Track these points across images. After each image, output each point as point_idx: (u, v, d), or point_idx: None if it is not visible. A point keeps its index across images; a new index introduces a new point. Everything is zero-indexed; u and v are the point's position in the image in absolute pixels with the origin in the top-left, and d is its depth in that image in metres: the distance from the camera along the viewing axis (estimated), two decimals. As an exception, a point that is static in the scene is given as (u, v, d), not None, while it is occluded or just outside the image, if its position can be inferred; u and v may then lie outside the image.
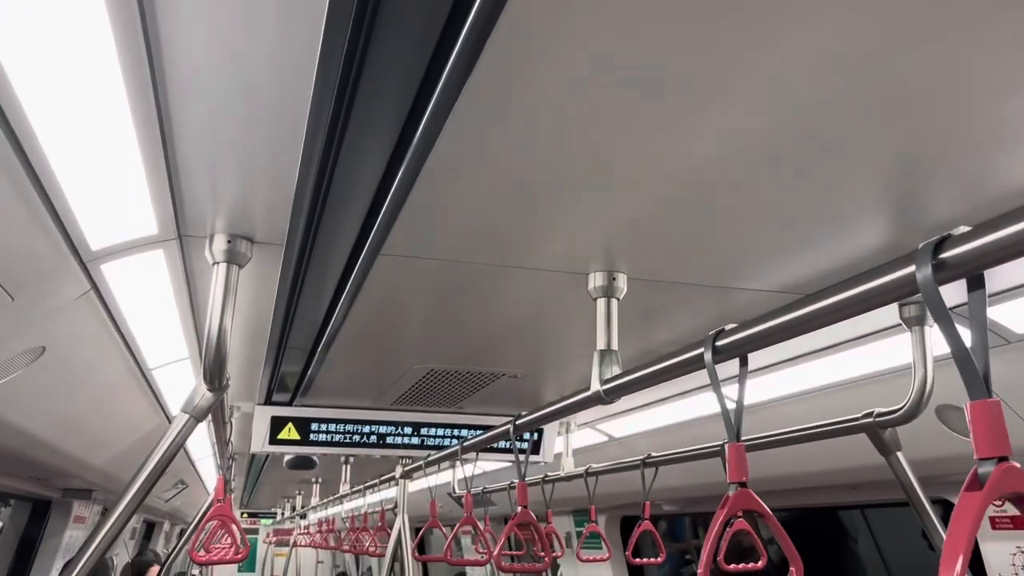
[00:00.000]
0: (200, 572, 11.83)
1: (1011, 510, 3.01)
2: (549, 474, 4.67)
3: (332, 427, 4.42)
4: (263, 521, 18.52)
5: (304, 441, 4.41)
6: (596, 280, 2.22)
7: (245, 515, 17.94)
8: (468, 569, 9.93)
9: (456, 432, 4.56)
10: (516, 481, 2.94)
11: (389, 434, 4.49)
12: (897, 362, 2.68)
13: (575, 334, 2.83)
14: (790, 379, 3.14)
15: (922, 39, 1.20)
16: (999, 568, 3.11)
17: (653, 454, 3.62)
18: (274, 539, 16.32)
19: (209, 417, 3.13)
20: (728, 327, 1.60)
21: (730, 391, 1.61)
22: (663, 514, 5.82)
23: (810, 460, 3.47)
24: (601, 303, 2.25)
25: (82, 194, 1.78)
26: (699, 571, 1.39)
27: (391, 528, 5.59)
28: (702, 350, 1.63)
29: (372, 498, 7.61)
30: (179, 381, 3.69)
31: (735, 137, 1.50)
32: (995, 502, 0.97)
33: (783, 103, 1.38)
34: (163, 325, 2.86)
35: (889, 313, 2.11)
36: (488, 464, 5.88)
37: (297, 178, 1.69)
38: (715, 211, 1.85)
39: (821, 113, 1.41)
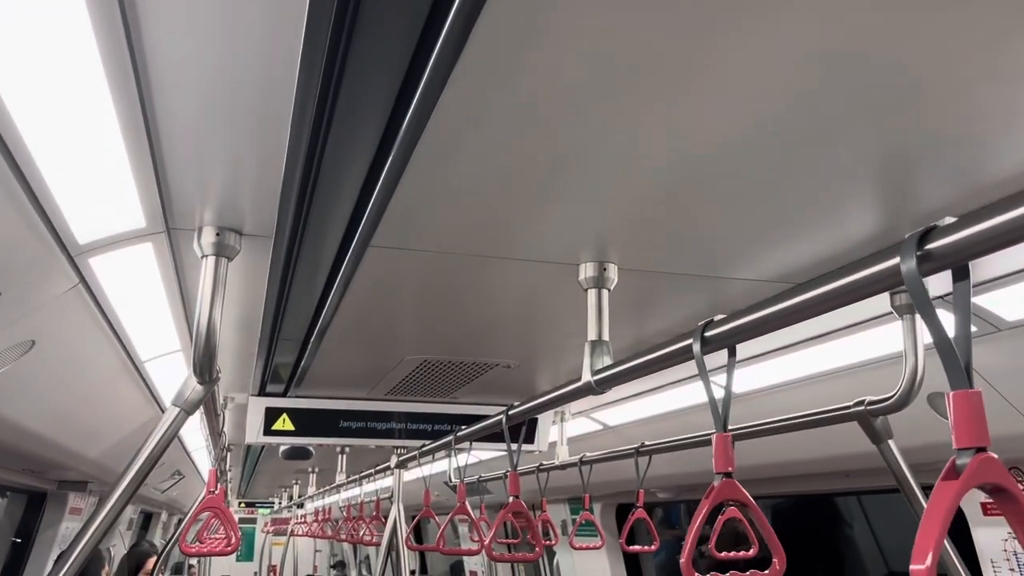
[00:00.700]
0: (198, 562, 11.87)
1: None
2: (544, 463, 4.68)
3: (326, 418, 4.42)
4: (261, 510, 18.55)
5: (298, 432, 4.41)
6: (587, 271, 2.22)
7: (243, 505, 17.98)
8: (466, 557, 9.97)
9: (451, 422, 4.55)
10: (509, 471, 2.94)
11: (383, 424, 4.49)
12: (889, 350, 2.68)
13: (568, 324, 2.83)
14: (782, 368, 3.14)
15: (908, 28, 1.20)
16: (990, 554, 3.12)
17: (647, 443, 3.63)
18: (272, 529, 16.35)
19: (202, 409, 3.13)
20: (717, 318, 1.60)
21: (721, 380, 1.61)
22: (658, 502, 5.84)
23: (803, 448, 3.48)
24: (592, 294, 2.24)
25: (67, 188, 1.77)
26: (682, 560, 1.39)
27: (387, 517, 5.60)
28: (691, 341, 1.62)
29: (369, 487, 7.63)
30: (173, 373, 3.69)
31: (724, 127, 1.49)
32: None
33: (771, 93, 1.38)
34: (154, 318, 2.86)
35: (880, 301, 2.11)
36: (484, 453, 5.89)
37: (284, 170, 1.69)
38: (705, 201, 1.84)
39: (810, 102, 1.41)
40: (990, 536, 3.12)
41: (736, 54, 1.26)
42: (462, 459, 3.89)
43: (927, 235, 1.05)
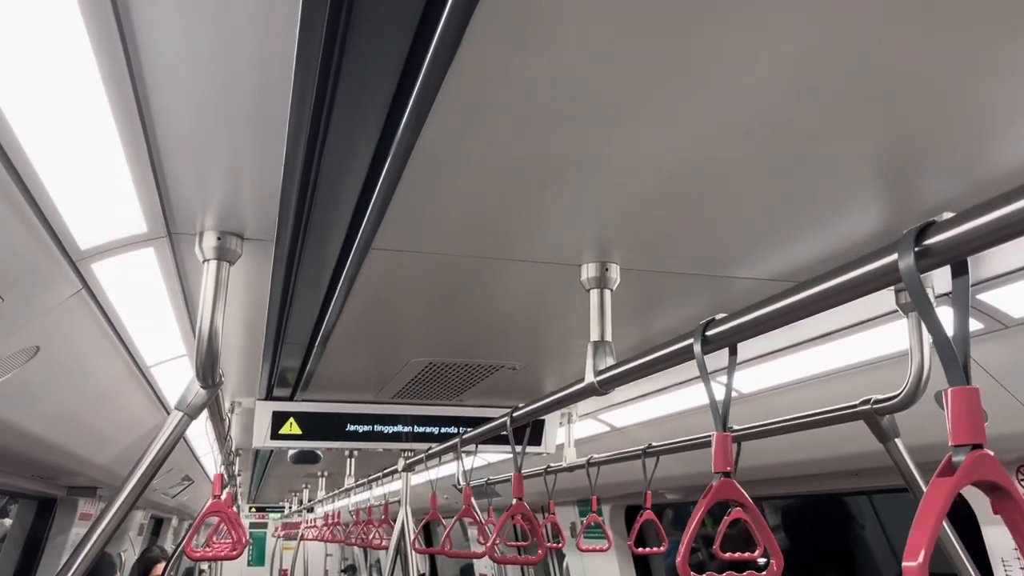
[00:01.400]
0: (209, 567, 11.89)
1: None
2: (551, 465, 4.67)
3: (333, 421, 4.42)
4: (272, 515, 18.58)
5: (306, 436, 4.41)
6: (588, 271, 2.21)
7: (253, 510, 18.01)
8: (476, 561, 9.96)
9: (458, 424, 4.55)
10: (514, 474, 2.93)
11: (390, 427, 4.48)
12: (895, 348, 2.67)
13: (572, 325, 2.82)
14: (788, 367, 3.13)
15: (909, 24, 1.19)
16: (1001, 553, 3.10)
17: (654, 443, 3.62)
18: (282, 533, 16.37)
19: (207, 413, 3.14)
20: (718, 317, 1.59)
21: (725, 380, 1.60)
22: (667, 503, 5.82)
23: (811, 448, 3.46)
24: (594, 294, 2.23)
25: (68, 194, 1.77)
26: (678, 560, 1.39)
27: (395, 521, 5.59)
28: (692, 340, 1.62)
29: (379, 491, 7.62)
30: (180, 378, 3.69)
31: (725, 125, 1.48)
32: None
33: (772, 91, 1.37)
34: (158, 323, 2.86)
35: (886, 299, 2.10)
36: (493, 456, 5.88)
37: (283, 172, 1.68)
38: (707, 200, 1.83)
39: (811, 100, 1.40)
40: (1001, 535, 3.10)
41: (736, 52, 1.26)
42: (468, 462, 3.88)
43: (925, 231, 1.04)
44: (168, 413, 2.25)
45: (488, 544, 3.08)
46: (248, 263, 2.18)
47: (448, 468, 6.21)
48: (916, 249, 1.04)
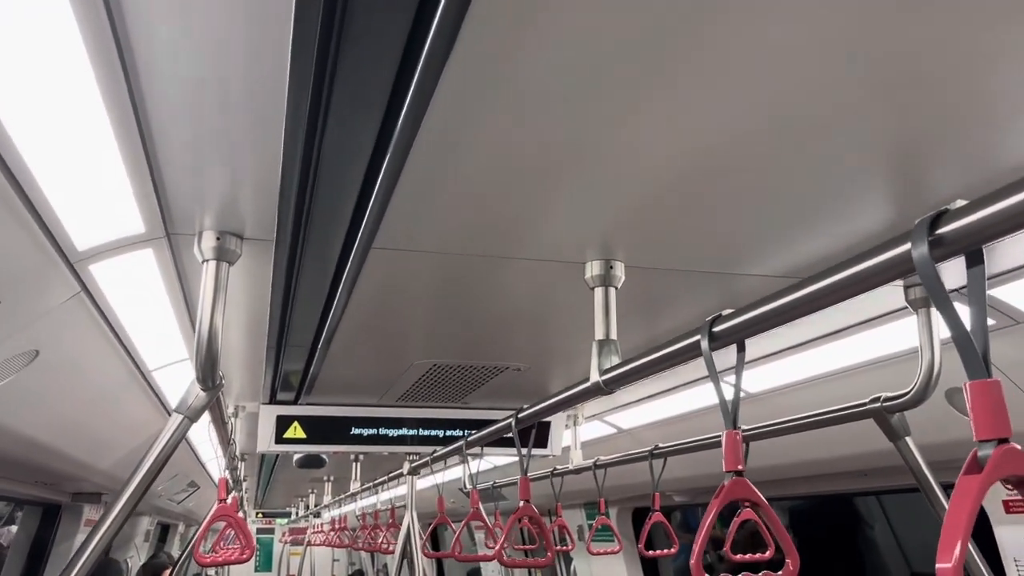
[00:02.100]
0: (216, 573, 11.88)
1: (1026, 494, 2.96)
2: (558, 467, 4.64)
3: (337, 425, 4.39)
4: (278, 521, 18.58)
5: (310, 440, 4.39)
6: (593, 269, 2.18)
7: (260, 515, 18.00)
8: (483, 564, 9.93)
9: (463, 427, 4.52)
10: (520, 476, 2.91)
11: (395, 431, 4.46)
12: (904, 346, 2.63)
13: (578, 325, 2.79)
14: (796, 366, 3.10)
15: (912, 11, 1.16)
16: (1013, 552, 3.06)
17: (661, 445, 3.58)
18: (289, 538, 16.35)
19: (210, 417, 3.11)
20: (725, 312, 1.56)
21: (732, 378, 1.57)
22: (675, 505, 5.78)
23: (820, 447, 3.43)
24: (599, 292, 2.21)
25: (64, 195, 1.75)
26: (692, 562, 1.35)
27: (402, 525, 5.57)
28: (698, 337, 1.59)
29: (385, 495, 7.61)
30: (183, 382, 3.67)
31: (731, 119, 1.46)
32: (1008, 486, 0.93)
33: (778, 83, 1.34)
34: (158, 326, 2.84)
35: (894, 296, 2.07)
36: (499, 459, 5.85)
37: (282, 171, 1.66)
38: (712, 196, 1.80)
39: (817, 93, 1.37)
40: (1013, 534, 3.06)
41: (741, 45, 1.23)
42: (474, 465, 3.85)
43: (938, 219, 1.01)
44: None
45: (497, 548, 3.05)
46: (248, 264, 2.15)
47: (453, 472, 6.19)
48: (930, 238, 1.00)
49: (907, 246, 1.05)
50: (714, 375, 1.53)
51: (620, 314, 2.20)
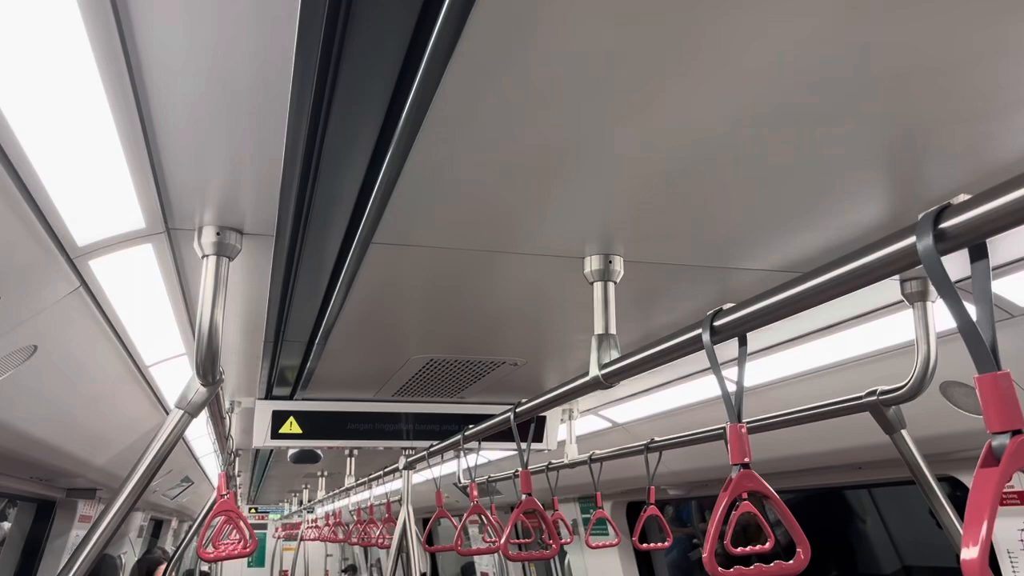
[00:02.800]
0: (209, 568, 11.87)
1: (1018, 485, 2.98)
2: (553, 461, 4.65)
3: (334, 420, 4.39)
4: (271, 516, 18.56)
5: (306, 434, 4.39)
6: (592, 263, 2.18)
7: (253, 510, 17.98)
8: (476, 558, 9.94)
9: (459, 422, 4.53)
10: (520, 469, 2.91)
11: (391, 425, 4.46)
12: (900, 339, 2.65)
13: (575, 320, 2.80)
14: (792, 360, 3.11)
15: (914, 6, 1.17)
16: (1007, 544, 3.08)
17: (656, 439, 3.60)
18: (282, 534, 16.34)
19: (208, 413, 3.11)
20: (726, 307, 1.57)
21: (731, 373, 1.57)
22: (669, 499, 5.81)
23: (814, 440, 3.44)
24: (598, 287, 2.21)
25: (64, 189, 1.75)
26: (704, 555, 1.36)
27: (397, 519, 5.58)
28: (700, 331, 1.59)
29: (379, 490, 7.60)
30: (179, 378, 3.67)
31: (729, 113, 1.46)
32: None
33: (778, 78, 1.35)
34: (157, 321, 2.84)
35: (891, 290, 2.08)
36: (492, 454, 5.86)
37: (283, 165, 1.66)
38: (711, 190, 1.81)
39: (817, 87, 1.38)
40: (1006, 527, 3.08)
41: (739, 37, 1.23)
42: (472, 459, 3.86)
43: (942, 213, 1.02)
44: (167, 414, 2.22)
45: (502, 542, 3.06)
46: (247, 259, 2.15)
47: (447, 467, 6.19)
48: (935, 232, 1.01)
49: (911, 239, 1.06)
50: (716, 369, 1.54)
51: (617, 309, 2.21)
